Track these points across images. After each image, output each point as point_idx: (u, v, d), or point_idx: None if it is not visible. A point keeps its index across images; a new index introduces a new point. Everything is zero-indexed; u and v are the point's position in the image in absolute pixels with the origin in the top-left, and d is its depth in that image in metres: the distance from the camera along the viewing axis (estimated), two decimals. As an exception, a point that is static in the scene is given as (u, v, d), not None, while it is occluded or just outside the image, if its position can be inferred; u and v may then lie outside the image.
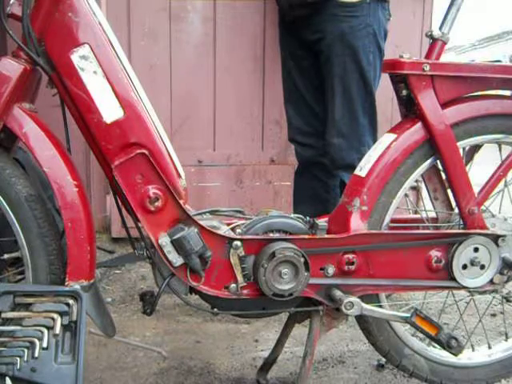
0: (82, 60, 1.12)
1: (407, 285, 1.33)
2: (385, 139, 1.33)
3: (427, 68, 1.27)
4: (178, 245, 1.16)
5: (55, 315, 1.09)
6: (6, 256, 1.21)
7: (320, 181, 1.99)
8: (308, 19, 1.80)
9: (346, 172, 1.81)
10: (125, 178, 1.15)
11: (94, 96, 1.13)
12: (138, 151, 1.15)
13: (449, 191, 1.38)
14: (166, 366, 1.64)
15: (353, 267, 1.26)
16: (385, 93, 2.08)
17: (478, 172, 1.59)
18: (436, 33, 1.31)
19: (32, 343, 1.08)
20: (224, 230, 1.23)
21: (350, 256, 1.26)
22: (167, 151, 1.18)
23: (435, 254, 1.31)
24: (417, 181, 1.37)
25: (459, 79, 1.30)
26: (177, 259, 1.17)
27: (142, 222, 1.17)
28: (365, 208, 1.28)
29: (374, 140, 1.81)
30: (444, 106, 1.30)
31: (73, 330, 1.10)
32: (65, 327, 1.10)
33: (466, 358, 1.45)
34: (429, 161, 1.33)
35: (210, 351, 1.74)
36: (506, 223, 1.36)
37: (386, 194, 1.30)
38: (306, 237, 1.26)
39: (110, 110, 1.14)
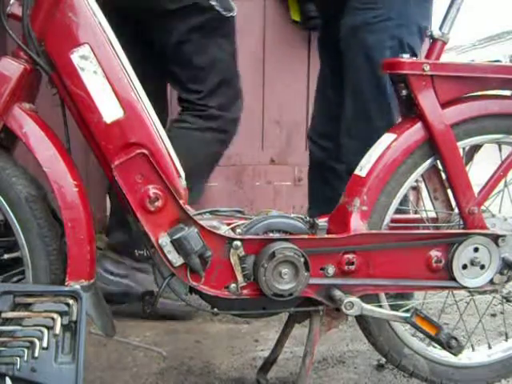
0: (82, 60, 1.12)
1: (407, 285, 1.33)
2: (385, 139, 1.33)
3: (427, 68, 1.27)
4: (178, 245, 1.16)
5: (55, 315, 1.09)
6: (5, 256, 1.21)
7: (330, 185, 1.97)
8: (337, 14, 1.77)
9: None
10: (125, 177, 1.15)
11: (94, 96, 1.13)
12: (138, 151, 1.15)
13: (449, 191, 1.38)
14: (166, 366, 1.64)
15: (353, 267, 1.26)
16: (385, 93, 2.08)
17: (478, 172, 1.59)
18: (436, 33, 1.31)
19: (32, 343, 1.08)
20: (224, 230, 1.23)
21: (350, 256, 1.26)
22: (167, 151, 1.18)
23: (435, 253, 1.31)
24: (417, 181, 1.37)
25: (459, 79, 1.30)
26: (177, 259, 1.17)
27: (142, 221, 1.17)
28: (365, 208, 1.28)
29: None
30: (444, 105, 1.30)
31: (73, 329, 1.10)
32: (65, 327, 1.10)
33: (466, 357, 1.45)
34: (429, 161, 1.33)
35: (210, 351, 1.74)
36: (506, 223, 1.36)
37: (386, 194, 1.30)
38: (306, 237, 1.26)
39: (110, 110, 1.14)
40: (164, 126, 1.97)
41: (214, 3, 1.73)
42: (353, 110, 1.77)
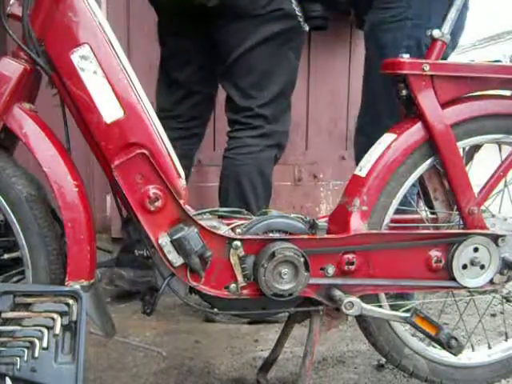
0: (82, 60, 1.12)
1: (407, 285, 1.33)
2: (385, 139, 1.33)
3: (427, 68, 1.27)
4: (178, 245, 1.16)
5: (55, 315, 1.09)
6: (5, 256, 1.21)
7: None
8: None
9: None
10: (125, 177, 1.15)
11: (94, 96, 1.13)
12: (138, 151, 1.15)
13: (449, 191, 1.38)
14: (166, 366, 1.64)
15: (353, 267, 1.26)
16: (385, 93, 2.07)
17: (478, 172, 1.58)
18: (436, 33, 1.31)
19: (32, 343, 1.08)
20: (224, 230, 1.23)
21: (350, 256, 1.26)
22: (167, 151, 1.18)
23: (435, 253, 1.31)
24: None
25: (459, 79, 1.30)
26: (177, 259, 1.17)
27: (142, 222, 1.17)
28: (365, 208, 1.28)
29: None
30: (444, 105, 1.30)
31: (73, 329, 1.10)
32: (65, 327, 1.10)
33: (466, 357, 1.45)
34: (429, 161, 1.33)
35: (210, 351, 1.74)
36: (506, 223, 1.36)
37: (386, 194, 1.30)
38: (306, 237, 1.26)
39: (110, 110, 1.14)
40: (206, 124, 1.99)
41: (298, 13, 1.74)
42: (365, 109, 1.77)
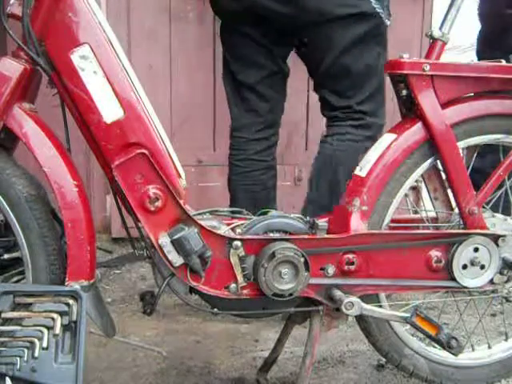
0: (82, 60, 1.12)
1: (407, 285, 1.33)
2: (385, 139, 1.33)
3: (427, 68, 1.27)
4: (178, 245, 1.16)
5: (55, 315, 1.09)
6: (6, 256, 1.21)
7: None
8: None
9: None
10: (125, 177, 1.15)
11: (94, 96, 1.13)
12: (138, 151, 1.15)
13: (449, 191, 1.38)
14: (166, 366, 1.64)
15: (353, 267, 1.26)
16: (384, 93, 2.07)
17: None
18: (436, 33, 1.31)
19: (32, 343, 1.08)
20: (224, 230, 1.23)
21: (350, 256, 1.26)
22: (167, 151, 1.18)
23: (435, 253, 1.31)
24: (417, 181, 1.38)
25: (459, 79, 1.30)
26: (177, 259, 1.17)
27: (142, 221, 1.17)
28: (365, 208, 1.28)
29: None
30: (444, 105, 1.30)
31: (73, 329, 1.10)
32: (65, 327, 1.10)
33: (466, 358, 1.45)
34: (429, 161, 1.33)
35: (210, 351, 1.74)
36: (506, 223, 1.36)
37: (386, 194, 1.30)
38: (306, 237, 1.26)
39: (109, 110, 1.14)
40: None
41: (379, 10, 1.74)
42: None
